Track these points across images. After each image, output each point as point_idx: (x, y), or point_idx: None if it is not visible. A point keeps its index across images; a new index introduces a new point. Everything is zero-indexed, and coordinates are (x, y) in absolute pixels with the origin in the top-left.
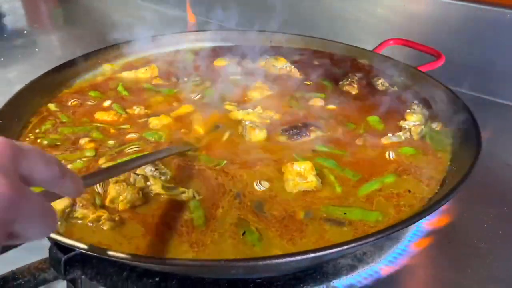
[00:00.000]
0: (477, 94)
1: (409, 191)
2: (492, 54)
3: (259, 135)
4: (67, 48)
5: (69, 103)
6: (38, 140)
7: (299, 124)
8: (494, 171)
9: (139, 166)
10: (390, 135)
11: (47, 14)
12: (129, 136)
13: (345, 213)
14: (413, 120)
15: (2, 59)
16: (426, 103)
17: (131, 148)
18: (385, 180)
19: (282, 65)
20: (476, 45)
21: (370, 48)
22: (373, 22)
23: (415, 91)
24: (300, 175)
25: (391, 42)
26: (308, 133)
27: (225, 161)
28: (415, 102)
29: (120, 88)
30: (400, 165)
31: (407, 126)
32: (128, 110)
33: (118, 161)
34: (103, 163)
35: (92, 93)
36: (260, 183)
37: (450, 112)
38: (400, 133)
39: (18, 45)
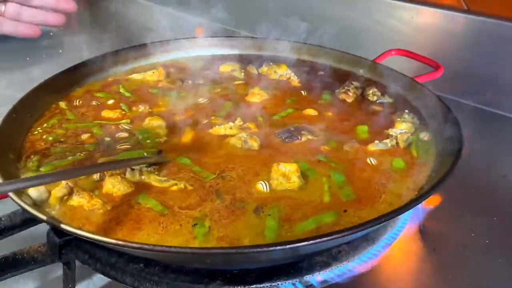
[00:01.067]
0: (479, 106)
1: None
2: (496, 66)
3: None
4: (90, 50)
5: (78, 102)
6: (44, 136)
7: (291, 128)
8: (490, 182)
9: (110, 169)
10: (376, 141)
11: (74, 17)
12: (120, 134)
13: None
14: (402, 128)
15: (28, 58)
16: (417, 113)
17: (120, 146)
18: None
19: (283, 72)
20: (479, 57)
21: (374, 57)
22: (383, 33)
23: (408, 101)
24: (284, 175)
25: (393, 52)
26: (299, 137)
27: (213, 176)
28: (406, 111)
29: (122, 90)
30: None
31: (393, 134)
32: (133, 109)
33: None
34: (98, 158)
35: (99, 94)
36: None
37: (438, 121)
38: (387, 141)
39: (44, 45)
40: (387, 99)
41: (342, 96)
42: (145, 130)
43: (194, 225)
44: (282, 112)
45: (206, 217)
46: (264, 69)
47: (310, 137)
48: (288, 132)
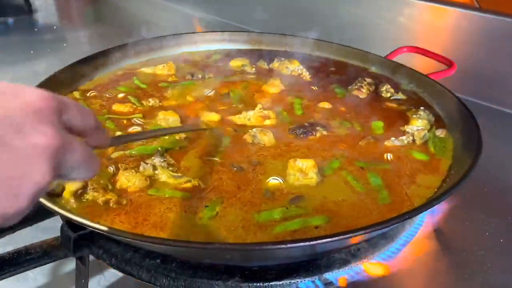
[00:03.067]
0: (489, 104)
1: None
2: (507, 65)
3: (269, 139)
4: (94, 44)
5: (89, 94)
6: None
7: (306, 123)
8: (503, 182)
9: (156, 136)
10: (393, 139)
11: (77, 11)
12: (132, 129)
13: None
14: (418, 125)
15: (32, 52)
16: (432, 110)
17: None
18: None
19: (294, 67)
20: (490, 55)
21: (383, 54)
22: (391, 30)
23: (422, 98)
24: (302, 171)
25: (405, 49)
26: (314, 133)
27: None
28: (421, 108)
29: (137, 82)
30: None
31: (410, 131)
32: (143, 102)
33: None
34: (111, 152)
35: (121, 88)
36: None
37: (455, 119)
38: (403, 137)
39: (48, 39)
40: (400, 96)
41: (355, 92)
42: (158, 126)
43: (206, 206)
44: (296, 102)
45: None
46: (276, 64)
47: (325, 132)
48: (304, 128)
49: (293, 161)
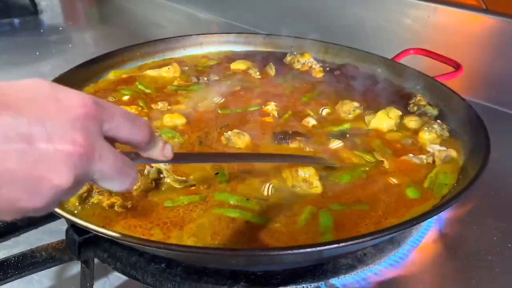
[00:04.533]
0: (496, 107)
1: None
2: None
3: (244, 142)
4: (99, 45)
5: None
6: None
7: (290, 131)
8: (510, 185)
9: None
10: (411, 155)
11: (83, 12)
12: None
13: None
14: (425, 137)
15: (37, 53)
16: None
17: None
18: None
19: (305, 60)
20: (498, 57)
21: (391, 56)
22: (397, 32)
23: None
24: (306, 181)
25: (412, 51)
26: (289, 142)
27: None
28: (438, 121)
29: (140, 86)
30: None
31: (431, 150)
32: (152, 106)
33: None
34: None
35: (125, 91)
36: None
37: (462, 123)
38: (423, 156)
39: (53, 41)
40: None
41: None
42: (169, 130)
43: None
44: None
45: None
46: (288, 58)
47: (301, 145)
48: (284, 134)
49: (294, 172)
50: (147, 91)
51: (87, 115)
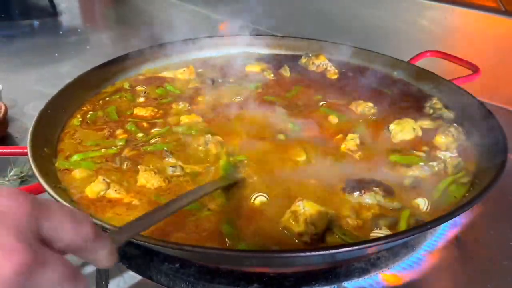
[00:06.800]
0: None
1: None
2: None
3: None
4: (117, 46)
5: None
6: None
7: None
8: None
9: (178, 208)
10: (422, 164)
11: (101, 14)
12: (154, 130)
13: None
14: (441, 141)
15: (56, 54)
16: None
17: (155, 139)
18: None
19: (319, 63)
20: None
21: (407, 58)
22: (413, 33)
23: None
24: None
25: (428, 54)
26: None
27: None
28: (454, 124)
29: (169, 87)
30: None
31: (442, 157)
32: (166, 106)
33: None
34: (127, 152)
35: (160, 90)
36: None
37: (478, 126)
38: (434, 163)
39: (72, 42)
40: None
41: None
42: (185, 128)
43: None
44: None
45: None
46: (303, 60)
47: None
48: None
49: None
50: (177, 92)
51: (20, 213)
